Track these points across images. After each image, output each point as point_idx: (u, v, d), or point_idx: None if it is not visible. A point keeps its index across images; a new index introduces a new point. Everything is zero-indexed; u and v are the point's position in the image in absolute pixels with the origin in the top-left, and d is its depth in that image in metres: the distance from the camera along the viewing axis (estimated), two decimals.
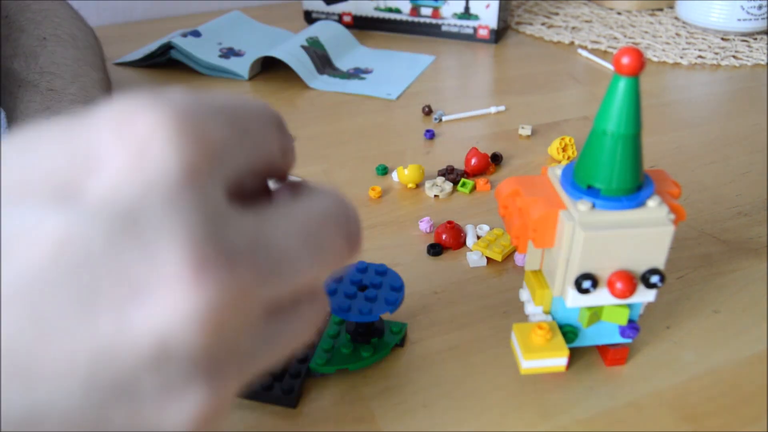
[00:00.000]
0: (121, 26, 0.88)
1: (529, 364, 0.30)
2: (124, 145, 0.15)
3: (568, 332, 0.31)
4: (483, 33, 0.79)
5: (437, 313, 0.36)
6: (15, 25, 0.53)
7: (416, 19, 0.81)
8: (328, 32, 0.74)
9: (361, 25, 0.83)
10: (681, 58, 0.74)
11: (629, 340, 0.32)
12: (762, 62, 0.73)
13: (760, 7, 0.78)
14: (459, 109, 0.61)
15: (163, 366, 0.15)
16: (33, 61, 0.49)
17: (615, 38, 0.80)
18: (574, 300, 0.29)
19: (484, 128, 0.58)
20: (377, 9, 0.82)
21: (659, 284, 0.28)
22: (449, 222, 0.42)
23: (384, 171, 0.50)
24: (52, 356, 0.14)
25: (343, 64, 0.72)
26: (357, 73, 0.70)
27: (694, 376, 0.32)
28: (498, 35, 0.80)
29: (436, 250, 0.41)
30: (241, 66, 0.69)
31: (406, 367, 0.33)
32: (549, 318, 0.31)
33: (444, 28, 0.81)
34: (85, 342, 0.14)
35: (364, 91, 0.65)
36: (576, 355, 0.33)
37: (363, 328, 0.33)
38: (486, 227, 0.43)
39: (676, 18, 0.86)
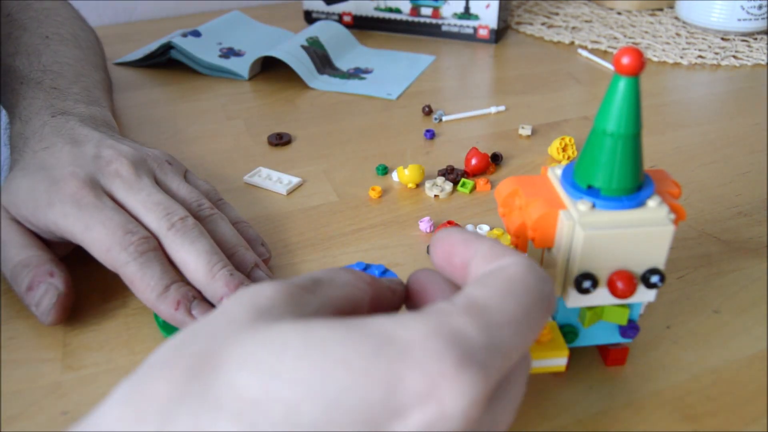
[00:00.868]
0: (121, 26, 0.88)
1: None
2: (428, 403, 0.18)
3: (568, 332, 0.31)
4: (483, 33, 0.79)
5: None
6: (17, 24, 0.52)
7: (416, 19, 0.81)
8: (328, 32, 0.74)
9: (361, 25, 0.83)
10: (681, 58, 0.74)
11: (629, 340, 0.32)
12: (762, 62, 0.73)
13: (760, 7, 0.78)
14: (459, 109, 0.61)
15: None
16: (36, 59, 0.48)
17: (615, 38, 0.80)
18: (574, 300, 0.29)
19: (484, 128, 0.58)
20: (377, 9, 0.82)
21: (659, 284, 0.28)
22: (449, 222, 0.42)
23: (384, 171, 0.50)
24: None
25: (343, 64, 0.72)
26: (357, 73, 0.70)
27: (694, 376, 0.32)
28: (498, 35, 0.80)
29: None
30: (241, 66, 0.69)
31: None
32: (549, 318, 0.31)
33: (444, 28, 0.81)
34: None
35: (364, 91, 0.66)
36: (576, 355, 0.33)
37: None
38: (486, 227, 0.43)
39: (676, 18, 0.86)
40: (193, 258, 0.34)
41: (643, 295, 0.29)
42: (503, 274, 0.22)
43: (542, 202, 0.28)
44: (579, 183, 0.28)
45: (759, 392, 0.31)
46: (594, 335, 0.31)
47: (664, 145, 0.55)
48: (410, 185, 0.48)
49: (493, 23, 0.78)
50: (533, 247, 0.29)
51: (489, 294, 0.21)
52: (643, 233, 0.27)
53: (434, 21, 0.81)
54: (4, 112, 0.49)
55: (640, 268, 0.28)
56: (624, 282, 0.27)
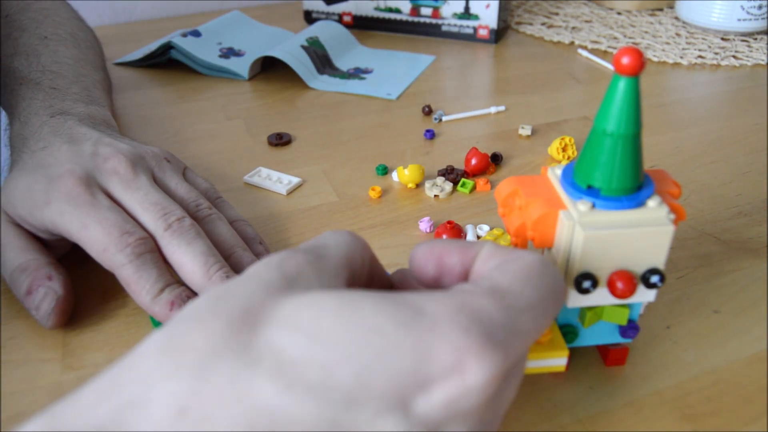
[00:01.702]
0: (121, 26, 0.88)
1: (528, 363, 0.30)
2: (452, 377, 0.19)
3: (568, 332, 0.31)
4: (483, 33, 0.79)
5: None
6: (15, 24, 0.52)
7: (416, 19, 0.81)
8: (328, 32, 0.74)
9: (361, 25, 0.83)
10: (681, 58, 0.74)
11: (629, 340, 0.32)
12: (762, 62, 0.73)
13: (760, 7, 0.78)
14: (459, 109, 0.61)
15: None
16: (35, 60, 0.48)
17: (615, 38, 0.80)
18: (574, 300, 0.29)
19: (484, 128, 0.58)
20: (377, 9, 0.82)
21: (659, 284, 0.28)
22: (449, 222, 0.42)
23: (384, 171, 0.50)
24: None
25: (343, 64, 0.72)
26: (357, 73, 0.70)
27: (694, 376, 0.32)
28: (498, 35, 0.80)
29: None
30: (241, 66, 0.69)
31: None
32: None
33: (444, 28, 0.81)
34: None
35: (364, 91, 0.65)
36: (576, 355, 0.33)
37: None
38: (486, 227, 0.43)
39: (676, 18, 0.86)
40: (190, 259, 0.34)
41: (643, 295, 0.29)
42: (522, 263, 0.23)
43: (542, 202, 0.28)
44: (579, 183, 0.28)
45: (759, 392, 0.31)
46: (594, 335, 0.31)
47: (664, 145, 0.55)
48: (410, 185, 0.48)
49: (493, 23, 0.78)
50: (533, 247, 0.29)
51: (509, 280, 0.22)
52: (643, 233, 0.27)
53: (434, 21, 0.81)
54: (3, 113, 0.49)
55: (640, 268, 0.28)
56: (624, 282, 0.27)
